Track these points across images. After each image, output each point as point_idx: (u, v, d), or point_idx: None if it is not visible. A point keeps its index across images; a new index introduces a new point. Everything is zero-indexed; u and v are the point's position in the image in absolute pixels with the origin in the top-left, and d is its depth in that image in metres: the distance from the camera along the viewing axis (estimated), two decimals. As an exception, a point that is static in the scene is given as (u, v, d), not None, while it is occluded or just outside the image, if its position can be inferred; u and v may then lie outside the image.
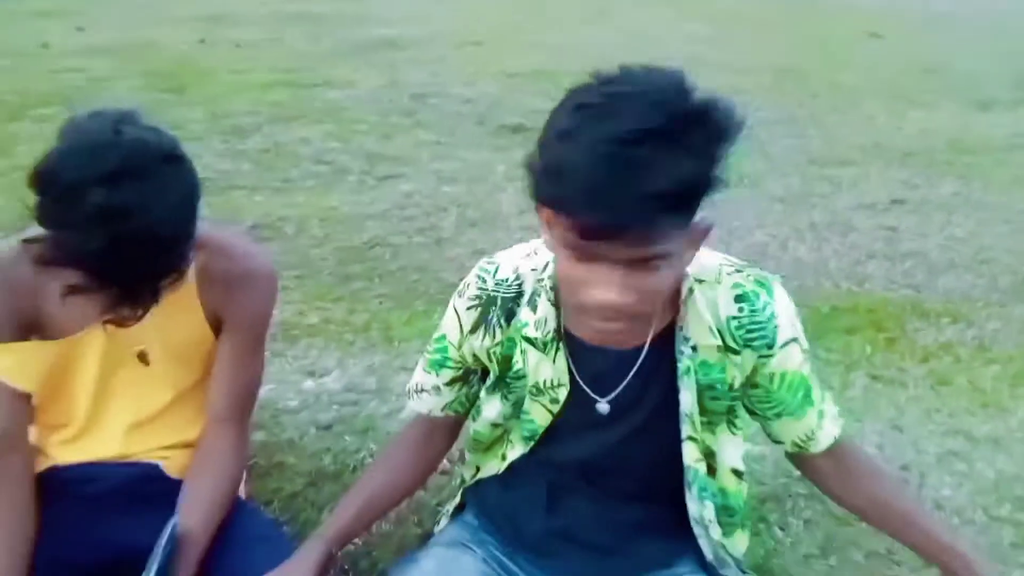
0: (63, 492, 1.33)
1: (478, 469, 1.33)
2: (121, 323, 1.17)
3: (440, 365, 1.25)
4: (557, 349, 1.14)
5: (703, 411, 1.14)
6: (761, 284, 1.09)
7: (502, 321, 1.17)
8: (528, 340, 1.15)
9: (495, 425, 1.26)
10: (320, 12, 9.00)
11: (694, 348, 1.09)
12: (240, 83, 5.86)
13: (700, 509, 1.19)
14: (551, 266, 1.11)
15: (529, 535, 1.26)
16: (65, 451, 1.36)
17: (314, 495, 1.67)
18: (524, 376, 1.18)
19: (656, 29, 7.83)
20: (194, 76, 6.03)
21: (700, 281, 1.08)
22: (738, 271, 1.11)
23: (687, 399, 1.12)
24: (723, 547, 1.23)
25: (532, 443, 1.22)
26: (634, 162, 0.83)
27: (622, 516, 1.23)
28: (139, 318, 1.16)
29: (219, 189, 3.75)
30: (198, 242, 1.22)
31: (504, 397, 1.22)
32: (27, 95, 5.27)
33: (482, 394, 1.27)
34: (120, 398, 1.35)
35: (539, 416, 1.19)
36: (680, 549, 1.24)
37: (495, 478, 1.29)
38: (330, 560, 1.23)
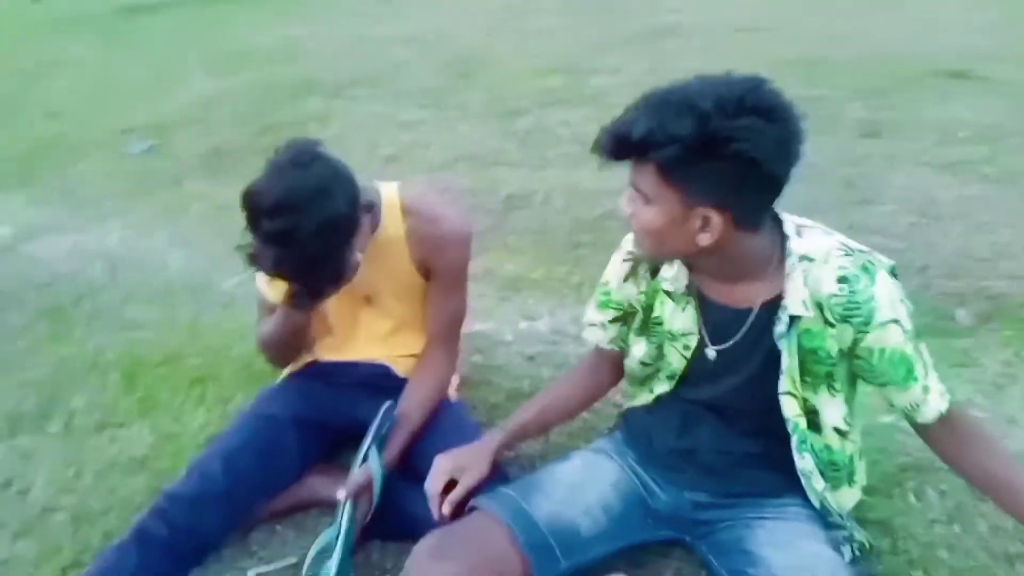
0: (323, 378, 1.83)
1: (633, 398, 1.62)
2: (299, 307, 1.57)
3: (605, 305, 1.55)
4: (687, 303, 1.39)
5: (805, 372, 1.32)
6: (865, 269, 1.24)
7: (647, 274, 1.45)
8: (667, 293, 1.42)
9: (644, 364, 1.52)
10: (613, 1, 9.41)
11: (792, 316, 1.28)
12: (520, 71, 6.42)
13: (800, 460, 1.38)
14: None
15: (660, 451, 1.52)
16: (327, 352, 1.86)
17: (510, 407, 2.04)
18: (662, 322, 1.44)
19: (947, 16, 7.24)
20: (482, 64, 6.70)
21: (809, 260, 1.26)
22: (847, 255, 1.25)
23: (784, 358, 1.31)
24: (826, 498, 1.39)
25: (674, 382, 1.48)
26: (638, 110, 1.17)
27: (740, 447, 1.44)
28: (310, 308, 1.58)
29: (487, 164, 4.27)
30: (406, 208, 1.64)
31: (649, 340, 1.49)
32: (339, 77, 6.24)
33: (631, 335, 1.54)
34: (359, 323, 1.81)
35: (675, 360, 1.45)
36: (791, 486, 1.41)
37: (643, 406, 1.57)
38: (505, 448, 1.59)
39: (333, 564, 1.47)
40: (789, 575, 1.29)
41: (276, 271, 1.44)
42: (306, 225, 1.36)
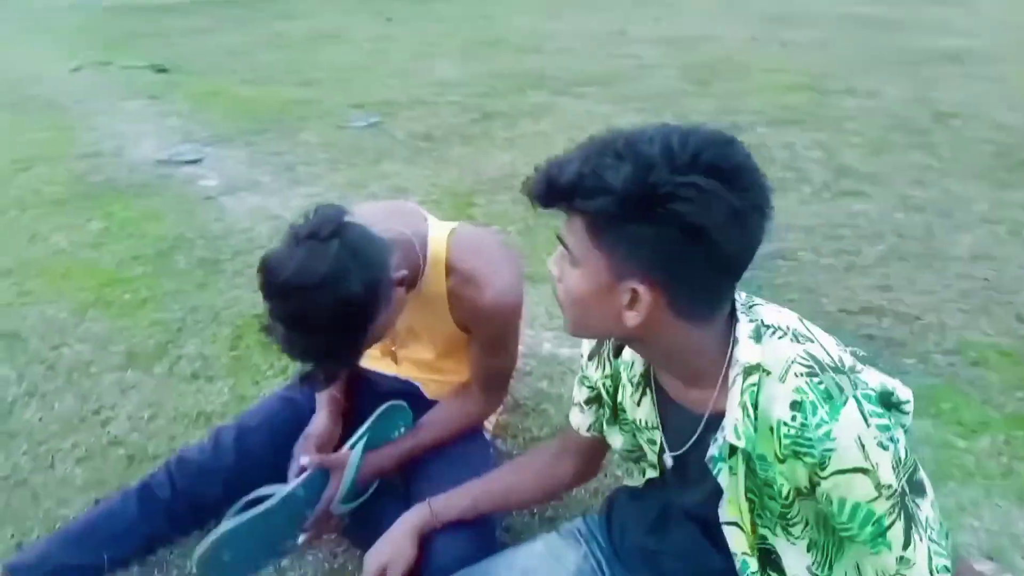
0: (353, 379, 1.77)
1: (626, 476, 1.38)
2: (311, 387, 1.49)
3: (581, 383, 1.31)
4: (644, 393, 1.16)
5: (760, 506, 1.04)
6: (828, 396, 0.92)
7: (610, 355, 1.21)
8: (628, 378, 1.18)
9: (628, 451, 1.28)
10: (892, 18, 8.53)
11: (734, 447, 1.01)
12: (763, 84, 6.01)
13: None
14: None
15: (628, 545, 1.31)
16: (370, 363, 1.78)
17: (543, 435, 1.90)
18: (625, 411, 1.21)
19: None
20: (725, 72, 6.36)
21: (765, 372, 0.97)
22: (811, 373, 0.93)
23: (724, 483, 1.05)
24: None
25: (656, 473, 1.23)
26: (578, 151, 0.96)
27: (712, 563, 1.18)
28: (322, 389, 1.53)
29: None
30: (450, 266, 1.49)
31: (621, 430, 1.26)
32: (574, 73, 6.21)
33: (605, 425, 1.30)
34: (400, 348, 1.72)
35: (649, 453, 1.21)
36: None
37: (631, 490, 1.34)
38: (432, 523, 1.42)
39: (246, 515, 1.43)
40: None
41: (286, 351, 1.31)
42: (315, 311, 1.24)
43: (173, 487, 1.62)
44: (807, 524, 1.02)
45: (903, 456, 0.93)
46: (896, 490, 0.92)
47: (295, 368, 2.25)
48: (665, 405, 1.12)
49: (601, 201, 0.90)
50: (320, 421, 1.63)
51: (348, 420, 1.69)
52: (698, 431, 1.05)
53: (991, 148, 4.43)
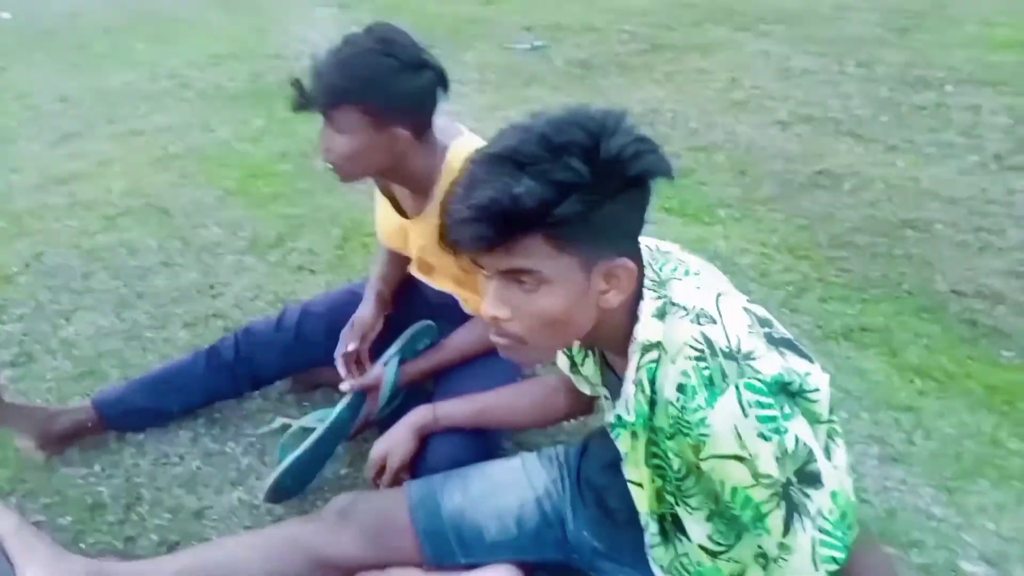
0: (406, 286, 1.91)
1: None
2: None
3: None
4: (586, 354, 1.22)
5: (656, 476, 1.07)
6: (710, 383, 0.91)
7: None
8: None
9: (594, 397, 1.35)
10: None
11: (622, 419, 1.05)
12: (975, 36, 5.41)
13: (650, 560, 1.16)
14: None
15: (585, 478, 1.38)
16: (416, 273, 1.89)
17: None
18: (577, 364, 1.28)
19: None
20: (935, 20, 5.77)
21: (664, 351, 0.98)
22: (699, 357, 0.93)
23: (622, 448, 1.08)
24: None
25: None
26: (472, 181, 0.91)
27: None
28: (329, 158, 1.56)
29: (835, 132, 3.80)
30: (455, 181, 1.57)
31: (584, 379, 1.32)
32: (765, 9, 5.88)
33: (571, 374, 1.36)
34: (436, 263, 1.79)
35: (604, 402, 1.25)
36: None
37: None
38: (432, 425, 1.53)
39: (301, 447, 1.62)
40: None
41: (317, 78, 1.48)
42: (362, 41, 1.45)
43: (237, 352, 1.85)
44: (704, 497, 1.03)
45: (792, 447, 0.91)
46: (777, 480, 0.91)
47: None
48: (604, 365, 1.17)
49: (572, 201, 0.87)
50: (365, 311, 1.79)
51: (395, 322, 1.84)
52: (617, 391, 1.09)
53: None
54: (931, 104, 4.19)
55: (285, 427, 1.81)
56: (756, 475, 0.91)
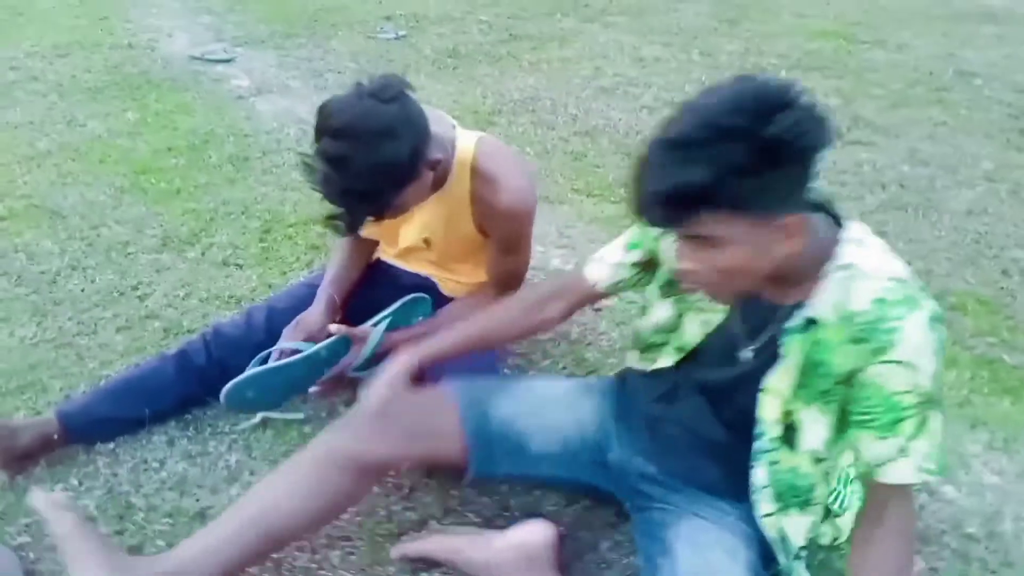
0: (375, 272, 1.95)
1: (630, 361, 1.53)
2: (334, 229, 1.53)
3: (636, 246, 1.42)
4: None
5: (803, 383, 1.18)
6: (908, 300, 1.08)
7: None
8: None
9: (657, 331, 1.43)
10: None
11: (812, 321, 1.14)
12: (793, 26, 5.99)
13: (754, 472, 1.26)
14: None
15: (634, 411, 1.46)
16: (387, 255, 1.95)
17: (557, 353, 2.07)
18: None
19: None
20: (757, 12, 6.32)
21: (855, 270, 1.11)
22: (897, 280, 1.09)
23: (781, 357, 1.18)
24: (765, 525, 1.28)
25: (680, 356, 1.39)
26: (648, 166, 1.03)
27: (710, 433, 1.35)
28: (343, 234, 1.56)
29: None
30: (475, 169, 1.62)
31: (675, 302, 1.38)
32: (605, 1, 6.19)
33: (656, 294, 1.42)
34: (415, 251, 1.86)
35: (691, 332, 1.36)
36: (740, 495, 1.30)
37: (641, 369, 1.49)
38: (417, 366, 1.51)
39: (272, 363, 1.66)
40: None
41: (320, 188, 1.44)
42: (361, 158, 1.37)
43: (209, 355, 1.80)
44: (839, 404, 1.17)
45: (941, 371, 1.09)
46: (926, 393, 1.08)
47: (320, 262, 2.45)
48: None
49: (740, 180, 0.98)
50: (314, 312, 1.78)
51: (367, 307, 1.85)
52: (775, 316, 1.19)
53: (1008, 110, 4.47)
54: (772, 88, 4.62)
55: (266, 420, 1.80)
56: (916, 385, 1.08)
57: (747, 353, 1.25)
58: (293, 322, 1.75)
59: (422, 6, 5.77)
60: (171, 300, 2.27)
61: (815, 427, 1.20)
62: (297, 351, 1.67)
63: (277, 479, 1.39)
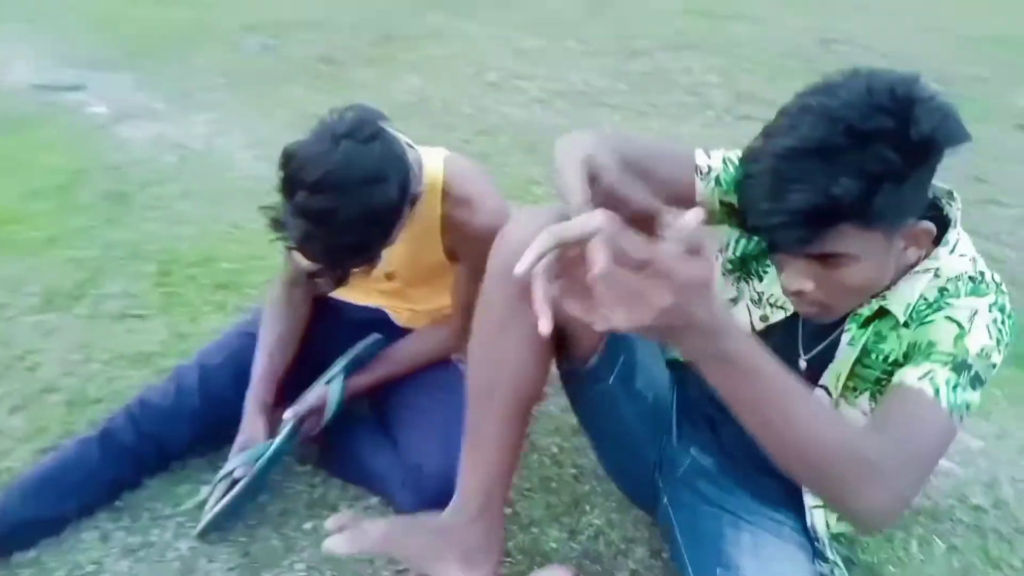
0: (317, 310, 1.73)
1: None
2: (318, 289, 1.40)
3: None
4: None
5: (854, 374, 1.11)
6: (975, 287, 1.02)
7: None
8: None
9: None
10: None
11: (883, 311, 1.06)
12: (658, 8, 6.08)
13: None
14: None
15: (693, 396, 1.34)
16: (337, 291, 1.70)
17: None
18: (764, 279, 1.22)
19: None
20: (623, -5, 6.37)
21: (936, 275, 1.04)
22: (972, 279, 1.03)
23: (842, 350, 1.10)
24: (814, 515, 1.21)
25: None
26: (781, 178, 0.89)
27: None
28: (328, 291, 1.41)
29: (588, 103, 4.07)
30: (447, 190, 1.46)
31: (736, 281, 1.26)
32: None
33: (721, 273, 1.30)
34: (370, 284, 1.67)
35: (745, 324, 1.23)
36: (792, 503, 1.23)
37: None
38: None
39: (238, 487, 1.45)
40: None
41: (302, 247, 1.28)
42: (349, 210, 1.22)
43: (138, 431, 1.56)
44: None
45: (990, 358, 0.98)
46: (965, 359, 0.97)
47: (235, 303, 2.21)
48: None
49: (886, 190, 0.87)
50: (255, 428, 1.55)
51: (314, 349, 1.67)
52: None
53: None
54: (653, 70, 4.66)
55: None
56: (958, 342, 0.98)
57: (802, 363, 1.17)
58: (236, 445, 1.54)
59: (283, 14, 5.47)
60: (67, 367, 1.98)
61: (860, 416, 1.13)
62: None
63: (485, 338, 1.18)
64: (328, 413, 1.55)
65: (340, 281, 1.37)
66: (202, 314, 2.19)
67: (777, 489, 1.24)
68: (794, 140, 0.89)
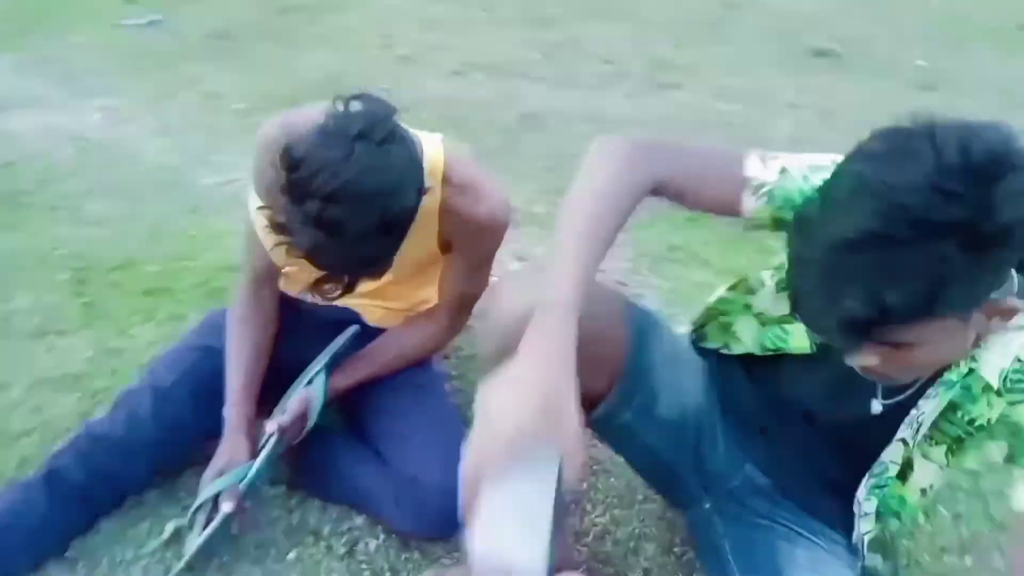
0: (281, 312, 1.57)
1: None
2: (325, 297, 1.26)
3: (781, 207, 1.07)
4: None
5: (934, 427, 1.06)
6: None
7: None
8: None
9: (747, 306, 1.22)
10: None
11: (972, 372, 0.99)
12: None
13: (866, 501, 1.14)
14: None
15: (742, 408, 1.25)
16: (290, 284, 1.57)
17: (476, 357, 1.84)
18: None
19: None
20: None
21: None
22: None
23: (928, 405, 1.04)
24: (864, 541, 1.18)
25: (766, 353, 1.18)
26: (834, 276, 0.78)
27: (826, 467, 1.20)
28: (336, 299, 1.27)
29: (506, 75, 3.96)
30: (448, 176, 1.34)
31: (786, 287, 1.09)
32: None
33: (768, 273, 1.20)
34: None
35: (797, 340, 1.14)
36: (843, 520, 1.19)
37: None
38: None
39: (222, 512, 1.33)
40: None
41: (312, 256, 1.16)
42: (366, 222, 1.11)
43: (88, 470, 1.39)
44: (964, 455, 1.05)
45: None
46: None
47: (167, 310, 2.02)
48: None
49: (953, 291, 0.76)
50: (237, 447, 1.41)
51: (281, 355, 1.53)
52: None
53: (778, 36, 4.77)
54: (566, 39, 4.58)
55: (179, 530, 1.44)
56: None
57: (878, 406, 1.08)
58: (214, 470, 1.39)
59: (166, -16, 5.08)
60: (-14, 397, 1.76)
61: (928, 471, 1.10)
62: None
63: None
64: (312, 417, 1.42)
65: (348, 290, 1.25)
66: (130, 326, 1.99)
67: (831, 507, 1.20)
68: (848, 230, 0.76)
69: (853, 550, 1.18)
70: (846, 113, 3.61)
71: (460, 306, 1.54)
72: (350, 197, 1.09)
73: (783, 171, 1.04)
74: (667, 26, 4.84)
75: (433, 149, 1.35)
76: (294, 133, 1.15)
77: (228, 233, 2.28)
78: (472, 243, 1.44)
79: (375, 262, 1.20)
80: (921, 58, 4.46)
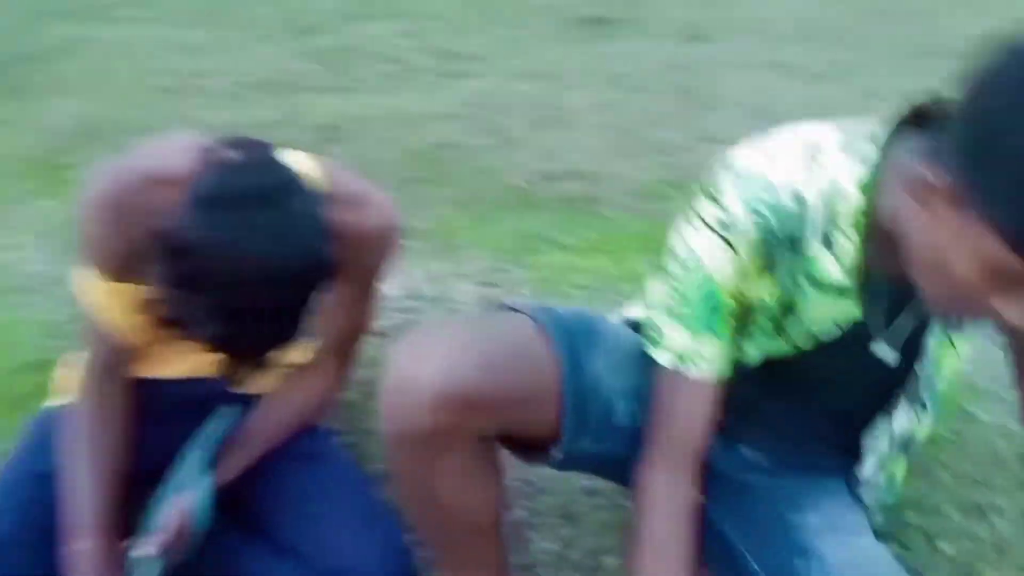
0: (140, 397, 1.30)
1: None
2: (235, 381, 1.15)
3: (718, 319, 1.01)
4: (849, 295, 0.99)
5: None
6: None
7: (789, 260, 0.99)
8: (816, 283, 0.97)
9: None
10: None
11: None
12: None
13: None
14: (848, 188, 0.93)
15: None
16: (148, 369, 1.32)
17: (370, 406, 1.61)
18: (802, 319, 1.01)
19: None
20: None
21: None
22: None
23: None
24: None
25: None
26: None
27: (814, 424, 1.15)
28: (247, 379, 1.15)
29: (285, 90, 3.69)
30: (329, 195, 1.14)
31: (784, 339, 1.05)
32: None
33: (754, 339, 1.07)
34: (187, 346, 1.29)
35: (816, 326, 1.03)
36: (844, 467, 1.17)
37: None
38: None
39: None
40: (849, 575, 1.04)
41: (222, 347, 1.01)
42: (285, 297, 0.99)
43: None
44: None
45: None
46: None
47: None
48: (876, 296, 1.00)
49: None
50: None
51: (152, 455, 1.24)
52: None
53: (547, 10, 4.80)
54: (340, 45, 4.36)
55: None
56: None
57: (888, 353, 1.04)
58: None
59: None
60: None
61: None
62: None
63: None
64: (200, 517, 1.17)
65: (258, 367, 1.06)
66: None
67: (834, 458, 1.16)
68: None
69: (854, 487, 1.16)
70: (634, 75, 3.68)
71: (347, 346, 1.34)
72: (262, 278, 0.93)
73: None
74: (439, 18, 4.74)
75: (309, 169, 1.14)
76: (132, 187, 1.03)
77: (13, 325, 1.90)
78: (362, 261, 1.23)
79: (293, 334, 1.03)
80: (682, 10, 4.66)
